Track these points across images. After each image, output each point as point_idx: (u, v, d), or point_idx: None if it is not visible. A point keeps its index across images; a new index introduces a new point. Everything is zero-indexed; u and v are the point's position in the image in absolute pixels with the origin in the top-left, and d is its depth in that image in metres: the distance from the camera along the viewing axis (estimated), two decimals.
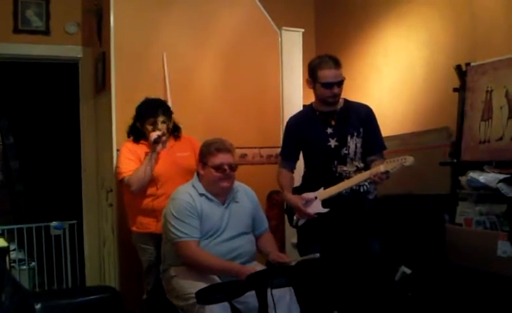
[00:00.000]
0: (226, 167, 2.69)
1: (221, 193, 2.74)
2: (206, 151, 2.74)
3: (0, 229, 4.30)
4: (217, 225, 2.68)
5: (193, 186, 2.75)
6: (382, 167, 2.62)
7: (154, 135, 3.01)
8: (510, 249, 2.64)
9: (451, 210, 3.09)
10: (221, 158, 2.69)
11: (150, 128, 3.08)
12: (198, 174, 2.79)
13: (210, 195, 2.72)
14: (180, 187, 2.81)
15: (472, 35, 3.41)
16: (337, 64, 2.80)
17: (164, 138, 3.07)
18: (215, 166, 2.68)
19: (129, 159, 3.08)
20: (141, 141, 3.15)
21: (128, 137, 3.20)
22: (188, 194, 2.71)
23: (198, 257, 2.59)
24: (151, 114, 3.09)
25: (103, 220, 4.03)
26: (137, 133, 3.16)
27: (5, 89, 5.73)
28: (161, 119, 3.09)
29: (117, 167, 3.13)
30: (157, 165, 3.07)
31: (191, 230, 2.62)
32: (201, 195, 2.72)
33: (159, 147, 3.04)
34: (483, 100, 3.09)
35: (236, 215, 2.75)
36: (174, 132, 3.22)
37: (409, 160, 2.58)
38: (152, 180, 3.05)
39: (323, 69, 2.78)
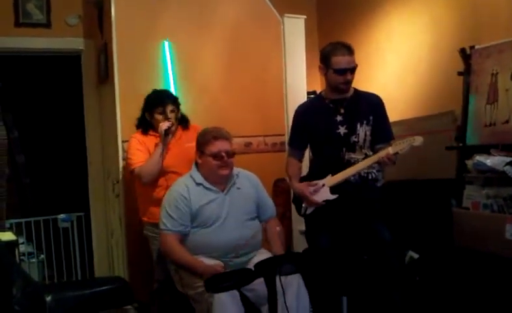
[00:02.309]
0: (223, 154, 2.70)
1: (220, 181, 2.75)
2: (203, 140, 2.77)
3: (8, 223, 4.30)
4: (216, 213, 2.69)
5: (191, 176, 2.78)
6: (390, 149, 2.63)
7: (164, 126, 3.05)
8: None
9: (458, 194, 3.08)
10: (218, 146, 2.71)
11: (159, 117, 3.12)
12: (196, 164, 2.80)
13: (207, 184, 2.74)
14: (179, 178, 2.84)
15: (476, 18, 3.38)
16: (350, 50, 2.80)
17: (173, 128, 3.12)
18: (213, 154, 2.70)
19: (139, 150, 3.12)
20: (150, 133, 3.18)
21: (137, 129, 3.23)
22: (184, 185, 2.74)
23: (169, 249, 2.66)
24: (160, 103, 3.14)
25: (110, 211, 4.05)
26: (145, 125, 3.20)
27: (8, 83, 5.72)
28: (170, 107, 3.14)
29: (128, 158, 3.16)
30: (167, 157, 3.10)
31: (173, 224, 2.66)
32: (198, 184, 2.74)
33: (168, 137, 3.07)
34: (488, 83, 3.07)
35: (238, 202, 2.75)
36: (182, 122, 3.25)
37: (418, 139, 2.59)
38: (162, 171, 3.08)
39: (336, 55, 2.78)
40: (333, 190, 2.76)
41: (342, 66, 2.77)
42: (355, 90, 2.91)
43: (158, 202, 3.04)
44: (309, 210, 2.84)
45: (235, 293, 2.42)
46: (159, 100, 3.16)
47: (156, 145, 3.09)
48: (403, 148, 2.61)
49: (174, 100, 3.20)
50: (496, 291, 2.72)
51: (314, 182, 2.81)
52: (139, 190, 3.22)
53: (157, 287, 3.15)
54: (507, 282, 2.66)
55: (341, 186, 2.76)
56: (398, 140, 2.68)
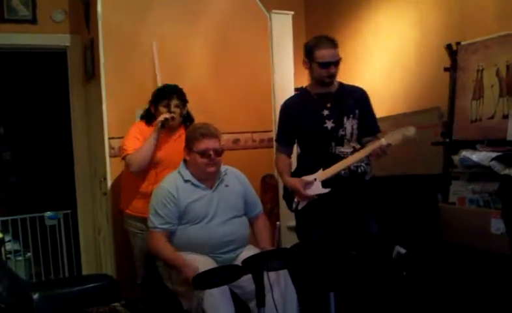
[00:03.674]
0: (211, 152, 2.70)
1: (208, 178, 2.75)
2: (192, 137, 2.76)
3: None
4: (204, 210, 2.69)
5: (179, 173, 2.77)
6: (383, 140, 2.63)
7: (162, 116, 3.02)
8: (503, 226, 2.67)
9: (444, 190, 3.11)
10: (206, 144, 2.70)
11: (163, 110, 3.08)
12: (185, 160, 2.80)
13: (195, 181, 2.74)
14: (168, 175, 2.83)
15: (462, 14, 3.40)
16: (333, 43, 2.80)
17: (173, 123, 3.08)
18: (200, 152, 2.70)
19: (136, 138, 3.08)
20: (153, 124, 3.13)
21: (141, 120, 3.21)
22: (173, 182, 2.73)
23: (155, 246, 2.66)
24: (165, 96, 3.11)
25: (97, 208, 4.03)
26: (149, 117, 3.17)
27: None
28: (175, 102, 3.11)
29: (123, 144, 3.12)
30: (162, 150, 3.07)
31: (160, 222, 2.66)
32: (186, 181, 2.73)
33: (163, 130, 3.04)
34: (474, 79, 3.10)
35: (226, 199, 2.76)
36: (187, 121, 3.21)
37: (410, 130, 2.59)
38: (153, 164, 3.05)
39: (320, 49, 2.77)
40: (324, 183, 2.76)
41: (326, 60, 2.76)
42: (340, 83, 2.91)
43: (144, 195, 3.02)
44: (301, 205, 2.84)
45: (225, 288, 2.43)
46: (165, 93, 3.13)
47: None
48: (396, 139, 2.61)
49: (180, 96, 3.16)
50: (482, 285, 2.75)
51: (306, 177, 2.81)
52: (126, 180, 3.19)
53: (140, 282, 3.14)
54: (493, 275, 2.69)
55: (332, 180, 2.75)
56: (390, 131, 2.66)
